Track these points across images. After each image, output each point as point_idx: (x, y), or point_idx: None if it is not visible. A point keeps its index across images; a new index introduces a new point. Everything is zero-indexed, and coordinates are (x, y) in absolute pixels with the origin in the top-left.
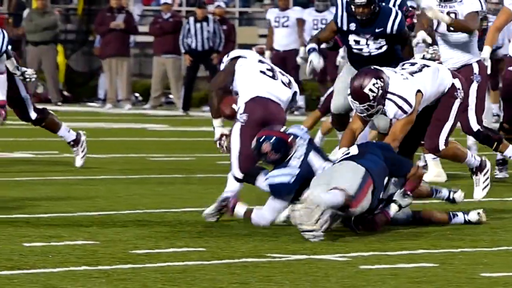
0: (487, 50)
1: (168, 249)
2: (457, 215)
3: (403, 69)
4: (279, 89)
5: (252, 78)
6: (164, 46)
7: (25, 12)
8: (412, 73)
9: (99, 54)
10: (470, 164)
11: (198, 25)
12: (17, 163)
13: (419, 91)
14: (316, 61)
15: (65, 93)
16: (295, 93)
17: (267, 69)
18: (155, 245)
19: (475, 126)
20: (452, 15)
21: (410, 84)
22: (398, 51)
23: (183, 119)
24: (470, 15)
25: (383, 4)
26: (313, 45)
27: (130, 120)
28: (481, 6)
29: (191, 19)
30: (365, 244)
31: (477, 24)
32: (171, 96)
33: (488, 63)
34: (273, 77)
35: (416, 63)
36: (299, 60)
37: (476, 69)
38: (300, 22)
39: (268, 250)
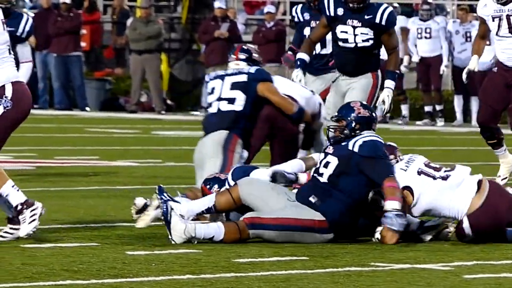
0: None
1: (271, 258)
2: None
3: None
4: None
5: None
6: (267, 55)
7: (129, 21)
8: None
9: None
10: None
11: None
12: (120, 172)
13: (407, 187)
14: (298, 78)
15: (169, 101)
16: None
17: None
18: (258, 254)
19: None
20: None
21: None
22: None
23: None
24: None
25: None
26: (301, 56)
27: None
28: None
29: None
30: (468, 253)
31: None
32: None
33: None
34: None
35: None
36: (403, 68)
37: None
38: (404, 31)
39: (371, 259)
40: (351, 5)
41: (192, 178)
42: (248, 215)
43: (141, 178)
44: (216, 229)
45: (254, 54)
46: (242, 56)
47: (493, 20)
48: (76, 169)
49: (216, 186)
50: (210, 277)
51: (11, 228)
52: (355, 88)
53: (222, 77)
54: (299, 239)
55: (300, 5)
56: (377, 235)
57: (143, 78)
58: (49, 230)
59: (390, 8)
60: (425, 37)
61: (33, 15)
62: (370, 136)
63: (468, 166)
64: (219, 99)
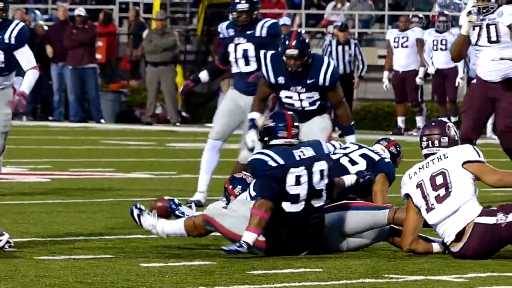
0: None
1: (285, 270)
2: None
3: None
4: None
5: None
6: None
7: (145, 33)
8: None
9: None
10: None
11: (340, 48)
12: (135, 184)
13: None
14: (250, 138)
15: (184, 113)
16: None
17: None
18: (272, 266)
19: None
20: (492, 27)
21: None
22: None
23: None
24: None
25: (314, 53)
26: (253, 115)
27: None
28: None
29: (334, 42)
30: (482, 265)
31: None
32: None
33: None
34: None
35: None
36: (418, 80)
37: None
38: (420, 43)
39: (385, 270)
40: (290, 69)
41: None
42: (206, 212)
43: (155, 190)
44: (180, 227)
45: None
46: None
47: (473, 29)
48: (91, 181)
49: (239, 187)
50: None
51: None
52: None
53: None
54: None
55: (227, 22)
56: None
57: (159, 90)
58: (63, 242)
59: (332, 66)
60: (441, 49)
61: (46, 27)
62: (260, 152)
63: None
64: None
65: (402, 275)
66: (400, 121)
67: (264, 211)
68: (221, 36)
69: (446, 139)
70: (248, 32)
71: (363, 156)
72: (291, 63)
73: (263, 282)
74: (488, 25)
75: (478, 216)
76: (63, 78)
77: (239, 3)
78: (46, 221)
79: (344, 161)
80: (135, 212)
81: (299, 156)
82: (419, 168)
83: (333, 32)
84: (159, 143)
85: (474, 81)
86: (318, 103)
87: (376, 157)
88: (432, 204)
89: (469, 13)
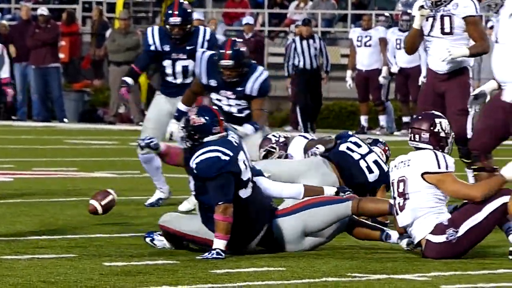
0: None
1: (248, 269)
2: (389, 237)
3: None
4: None
5: None
6: None
7: (108, 33)
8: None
9: None
10: None
11: (305, 42)
12: (98, 183)
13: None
14: (170, 129)
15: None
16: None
17: None
18: (235, 265)
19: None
20: (447, 19)
21: None
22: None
23: None
24: (474, 27)
25: (251, 62)
26: (181, 106)
27: None
28: (476, 9)
29: (297, 38)
30: (445, 263)
31: (486, 38)
32: None
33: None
34: None
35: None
36: (381, 79)
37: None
38: (383, 42)
39: (348, 269)
40: (225, 78)
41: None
42: (160, 221)
43: (119, 189)
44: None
45: None
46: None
47: (427, 20)
48: (54, 180)
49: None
50: None
51: None
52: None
53: None
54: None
55: (157, 31)
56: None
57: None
58: (26, 242)
59: (263, 76)
60: (404, 48)
61: (9, 27)
62: (206, 151)
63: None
64: None
65: (365, 274)
66: (363, 120)
67: (229, 215)
68: (151, 48)
69: (427, 135)
70: (188, 48)
71: (376, 163)
72: (227, 74)
73: (226, 281)
74: (442, 16)
75: (430, 233)
76: (26, 78)
77: (171, 15)
78: (9, 221)
79: (363, 165)
80: (148, 240)
81: (235, 141)
82: (395, 166)
83: (295, 32)
84: (122, 143)
85: (424, 79)
86: (246, 112)
87: (385, 168)
88: (397, 209)
89: (421, 7)
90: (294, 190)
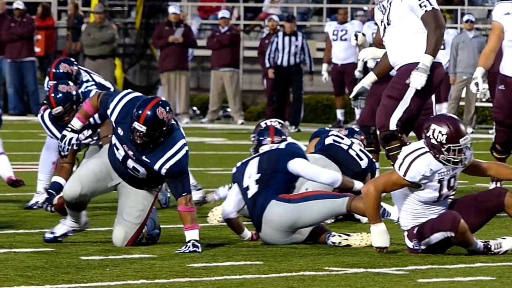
0: (479, 71)
1: (225, 263)
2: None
3: None
4: None
5: None
6: (222, 60)
7: (83, 27)
8: None
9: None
10: None
11: (287, 39)
12: None
13: None
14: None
15: None
16: None
17: None
18: (212, 259)
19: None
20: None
21: None
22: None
23: (241, 133)
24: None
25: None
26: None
27: (188, 134)
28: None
29: (280, 33)
30: (422, 257)
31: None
32: (228, 109)
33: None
34: None
35: None
36: (357, 73)
37: None
38: (328, 39)
39: (325, 263)
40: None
41: None
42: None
43: None
44: None
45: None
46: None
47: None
48: (30, 174)
49: None
50: (164, 282)
51: None
52: None
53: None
54: None
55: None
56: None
57: None
58: (3, 236)
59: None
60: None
61: None
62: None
63: None
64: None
65: (342, 268)
66: (339, 113)
67: (191, 205)
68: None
69: (423, 135)
70: None
71: (361, 151)
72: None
73: (204, 275)
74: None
75: (406, 232)
76: (1, 72)
77: None
78: None
79: (353, 154)
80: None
81: None
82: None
83: (268, 25)
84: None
85: (501, 87)
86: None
87: (369, 155)
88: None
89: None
90: (333, 177)
